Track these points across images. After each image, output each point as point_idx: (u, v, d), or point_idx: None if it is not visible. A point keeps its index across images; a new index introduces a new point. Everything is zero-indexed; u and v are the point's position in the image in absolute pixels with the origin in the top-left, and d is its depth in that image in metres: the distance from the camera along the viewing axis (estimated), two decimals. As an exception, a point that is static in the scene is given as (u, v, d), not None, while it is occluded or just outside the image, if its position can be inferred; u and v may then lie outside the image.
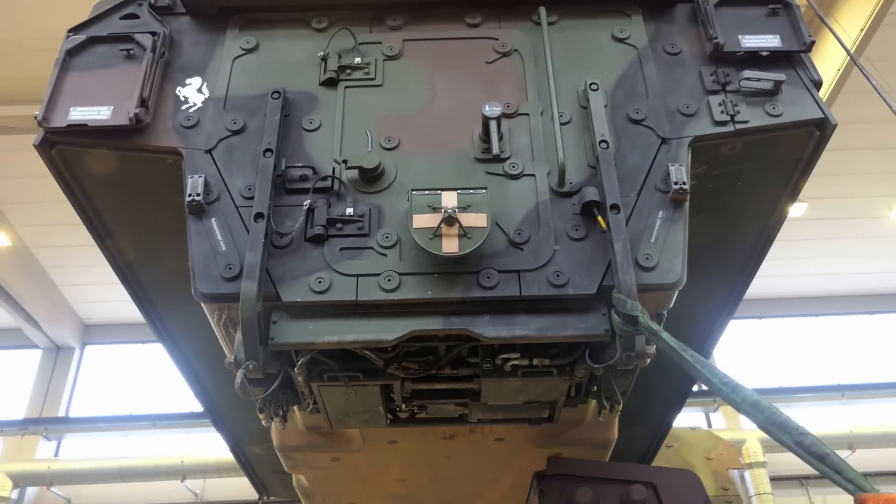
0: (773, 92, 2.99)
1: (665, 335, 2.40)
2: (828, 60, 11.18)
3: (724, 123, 2.94)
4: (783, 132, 2.97)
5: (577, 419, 3.54)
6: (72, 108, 2.87)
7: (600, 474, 3.75)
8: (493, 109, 2.79)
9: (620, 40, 3.16)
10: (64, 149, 2.91)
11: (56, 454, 17.67)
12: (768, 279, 18.91)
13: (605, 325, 2.59)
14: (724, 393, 2.00)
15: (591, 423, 3.67)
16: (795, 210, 16.17)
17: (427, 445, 3.58)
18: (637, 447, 4.93)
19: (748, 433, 15.54)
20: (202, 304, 2.72)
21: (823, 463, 1.71)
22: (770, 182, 3.20)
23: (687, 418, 17.70)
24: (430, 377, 2.85)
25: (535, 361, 2.72)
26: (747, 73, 3.00)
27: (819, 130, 2.99)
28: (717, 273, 3.67)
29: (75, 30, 3.07)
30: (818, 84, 3.03)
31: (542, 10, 3.14)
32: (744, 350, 19.27)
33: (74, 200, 3.09)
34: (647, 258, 2.67)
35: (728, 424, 17.63)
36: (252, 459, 5.00)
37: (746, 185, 3.22)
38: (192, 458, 15.21)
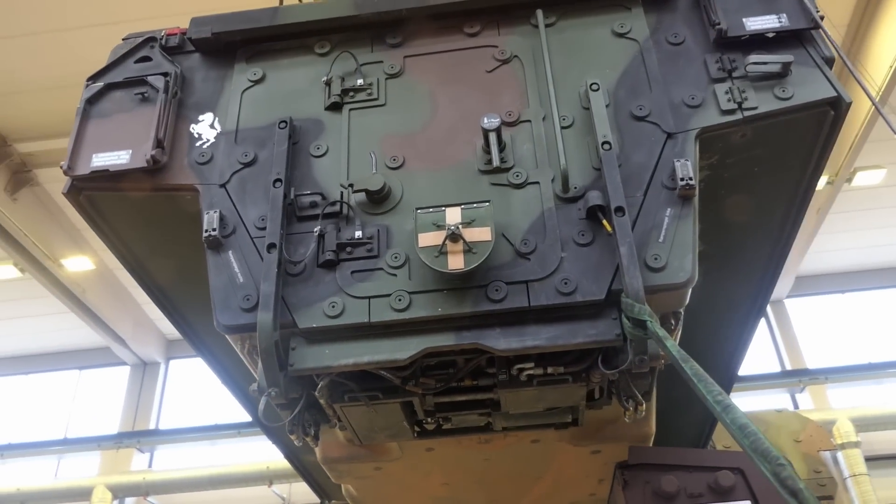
0: (781, 74, 2.89)
1: (670, 343, 2.37)
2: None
3: (731, 112, 2.87)
4: (795, 115, 2.87)
5: (612, 416, 3.52)
6: (94, 155, 3.02)
7: (684, 462, 3.67)
8: (491, 121, 2.80)
9: (621, 35, 3.11)
10: (91, 194, 3.07)
11: (150, 465, 18.53)
12: (847, 252, 18.16)
13: (616, 330, 2.57)
14: (716, 411, 1.99)
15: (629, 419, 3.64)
16: (872, 177, 15.42)
17: (464, 450, 3.61)
18: (688, 433, 4.85)
19: (838, 412, 14.93)
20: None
21: (795, 498, 1.70)
22: (789, 165, 3.10)
23: (772, 400, 17.16)
24: (451, 390, 2.89)
25: (550, 370, 2.72)
26: (753, 58, 2.91)
27: (833, 109, 2.88)
28: (746, 259, 3.58)
29: (94, 78, 3.21)
30: (830, 61, 2.92)
31: (540, 13, 3.11)
32: (828, 326, 18.56)
33: (106, 238, 3.26)
34: (655, 259, 2.63)
35: (816, 404, 17.01)
36: (309, 466, 5.13)
37: (765, 171, 3.12)
38: (278, 464, 15.62)
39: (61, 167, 2.98)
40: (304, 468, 5.25)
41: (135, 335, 18.30)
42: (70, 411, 19.46)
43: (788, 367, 18.16)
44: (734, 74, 2.94)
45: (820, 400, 17.34)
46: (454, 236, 2.61)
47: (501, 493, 4.17)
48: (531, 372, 2.72)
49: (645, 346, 2.54)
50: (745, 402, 16.27)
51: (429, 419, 3.08)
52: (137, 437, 18.13)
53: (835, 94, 2.85)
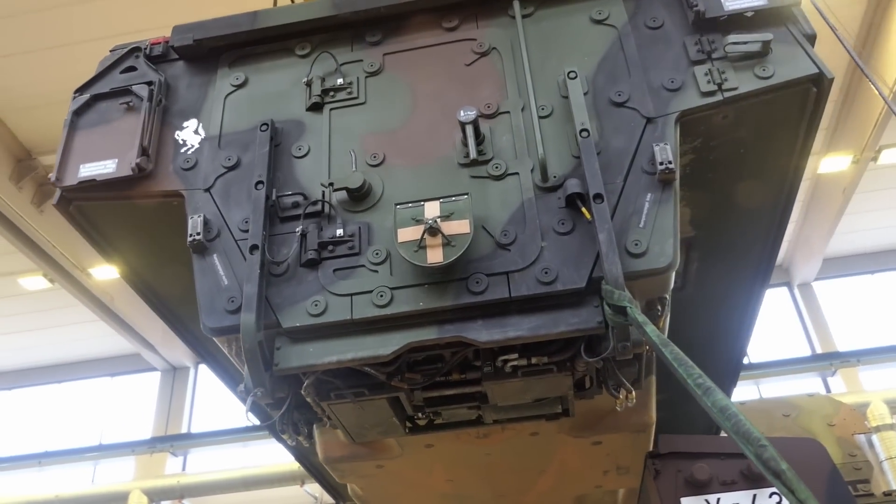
0: (762, 53, 2.84)
1: (650, 328, 2.34)
2: None
3: (711, 94, 2.82)
4: (777, 93, 2.82)
5: (609, 406, 3.50)
6: (81, 166, 3.06)
7: (715, 449, 3.63)
8: (467, 114, 2.79)
9: (599, 22, 3.08)
10: (80, 204, 3.12)
11: (183, 468, 18.82)
12: (875, 231, 17.83)
13: (598, 318, 2.55)
14: (697, 395, 1.97)
15: (627, 409, 3.61)
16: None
17: (464, 446, 3.60)
18: (700, 422, 4.80)
19: (871, 395, 14.66)
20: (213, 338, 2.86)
21: (779, 479, 1.67)
22: (776, 144, 3.06)
23: (803, 384, 16.93)
24: (439, 384, 2.88)
25: (534, 360, 2.70)
26: (732, 38, 2.87)
27: (815, 86, 2.83)
28: (741, 242, 3.54)
29: (80, 90, 3.25)
30: (812, 38, 2.86)
31: (516, 3, 3.09)
32: (858, 308, 18.24)
33: (98, 248, 3.30)
34: (636, 244, 2.61)
35: (849, 387, 16.73)
36: (319, 467, 5.16)
37: (751, 152, 3.08)
38: (309, 464, 15.79)
39: (49, 178, 3.03)
40: (315, 469, 5.28)
41: (164, 341, 18.58)
42: (104, 418, 19.84)
43: (819, 350, 17.90)
44: (714, 56, 2.89)
45: (852, 383, 17.06)
46: (432, 230, 2.61)
47: (507, 488, 4.16)
48: (515, 363, 2.71)
49: (627, 332, 2.52)
50: (775, 387, 16.07)
51: (419, 414, 3.09)
52: (170, 441, 18.43)
53: (816, 70, 2.80)
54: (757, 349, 17.52)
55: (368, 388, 2.83)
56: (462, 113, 2.79)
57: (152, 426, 19.24)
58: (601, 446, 3.68)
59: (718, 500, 3.17)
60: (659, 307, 2.79)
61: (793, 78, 2.80)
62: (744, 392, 16.02)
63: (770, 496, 3.52)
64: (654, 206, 2.67)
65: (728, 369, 4.40)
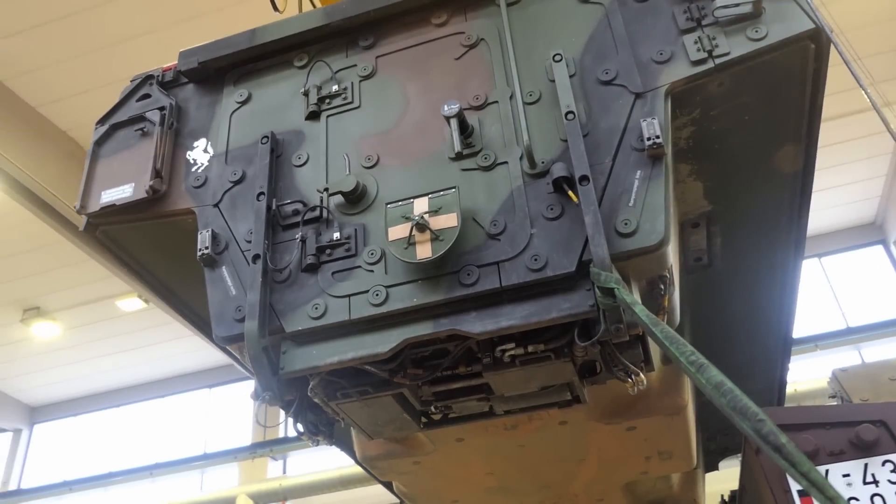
0: (754, 14, 2.72)
1: (638, 308, 2.29)
2: None
3: (702, 62, 2.73)
4: (774, 54, 2.70)
5: (639, 391, 3.44)
6: (102, 192, 3.25)
7: (819, 419, 3.49)
8: (450, 108, 2.80)
9: (586, 1, 3.02)
10: (105, 229, 3.31)
11: (283, 471, 19.47)
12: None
13: (590, 301, 2.51)
14: (690, 372, 1.93)
15: (657, 392, 3.53)
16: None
17: (493, 438, 3.60)
18: (756, 400, 4.62)
19: None
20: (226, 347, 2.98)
21: (779, 453, 1.63)
22: (782, 107, 2.92)
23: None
24: (446, 378, 2.91)
25: (531, 348, 2.68)
26: (721, 1, 2.77)
27: (814, 43, 2.69)
28: (765, 210, 3.39)
29: (101, 121, 3.45)
30: None
31: None
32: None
33: (128, 268, 3.49)
34: (625, 224, 2.56)
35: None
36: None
37: (757, 117, 2.95)
38: (403, 462, 16.06)
39: (74, 208, 3.23)
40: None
41: (255, 351, 19.21)
42: (206, 427, 20.77)
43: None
44: (704, 22, 2.79)
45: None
46: (420, 226, 2.64)
47: (550, 478, 4.12)
48: (513, 352, 2.70)
49: (619, 314, 2.47)
50: (878, 350, 15.17)
51: (432, 409, 3.11)
52: (269, 446, 19.07)
53: (813, 25, 2.66)
54: (855, 312, 16.67)
55: (372, 386, 2.88)
56: (445, 107, 2.80)
57: (251, 433, 19.99)
58: (636, 431, 3.61)
59: (827, 471, 3.01)
60: (661, 286, 2.72)
61: (788, 36, 2.67)
62: (845, 357, 15.24)
63: (883, 464, 3.33)
64: (643, 184, 2.61)
65: (777, 344, 4.22)
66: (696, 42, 2.75)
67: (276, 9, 5.30)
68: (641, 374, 2.78)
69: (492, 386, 2.87)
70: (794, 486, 2.97)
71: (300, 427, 3.11)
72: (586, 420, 3.49)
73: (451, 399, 3.01)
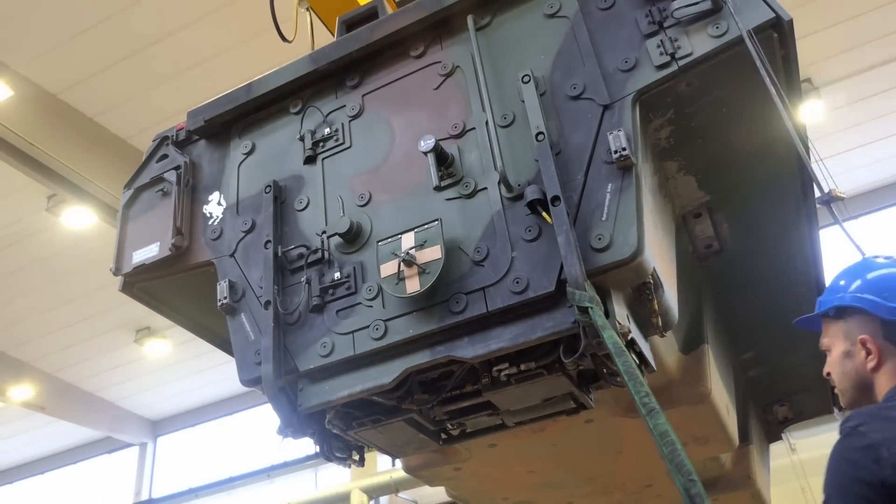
0: (715, 10, 2.69)
1: (607, 333, 2.38)
2: None
3: (665, 66, 2.72)
4: (738, 48, 2.66)
5: (660, 384, 3.47)
6: (134, 253, 3.54)
7: None
8: (426, 143, 2.90)
9: (552, 16, 3.03)
10: (141, 285, 3.61)
11: (392, 464, 20.06)
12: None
13: (571, 318, 2.59)
14: (641, 413, 2.03)
15: (679, 382, 3.55)
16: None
17: (524, 441, 3.70)
18: (804, 373, 4.53)
19: None
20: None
21: None
22: (758, 96, 2.86)
23: None
24: (455, 397, 3.04)
25: (523, 367, 2.78)
26: (679, 1, 2.75)
27: (776, 31, 2.65)
28: (765, 184, 3.33)
29: (128, 185, 3.74)
30: None
31: (470, 18, 3.11)
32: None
33: (170, 318, 3.80)
34: (599, 239, 2.61)
35: None
36: None
37: (734, 109, 2.92)
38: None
39: (111, 269, 3.54)
40: None
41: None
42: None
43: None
44: (665, 25, 2.78)
45: None
46: (407, 262, 2.78)
47: (592, 471, 4.19)
48: (507, 372, 2.80)
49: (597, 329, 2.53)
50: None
51: (449, 426, 3.25)
52: (376, 441, 19.70)
53: (773, 14, 2.62)
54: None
55: (383, 414, 3.05)
56: (422, 143, 2.91)
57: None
58: None
59: None
60: (647, 293, 2.76)
61: (748, 29, 2.64)
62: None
63: None
64: (615, 196, 2.65)
65: (811, 289, 4.10)
66: (658, 45, 2.75)
67: (283, 38, 5.50)
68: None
69: (494, 402, 2.99)
70: None
71: (328, 455, 3.31)
72: (611, 416, 3.54)
73: (463, 416, 3.14)
